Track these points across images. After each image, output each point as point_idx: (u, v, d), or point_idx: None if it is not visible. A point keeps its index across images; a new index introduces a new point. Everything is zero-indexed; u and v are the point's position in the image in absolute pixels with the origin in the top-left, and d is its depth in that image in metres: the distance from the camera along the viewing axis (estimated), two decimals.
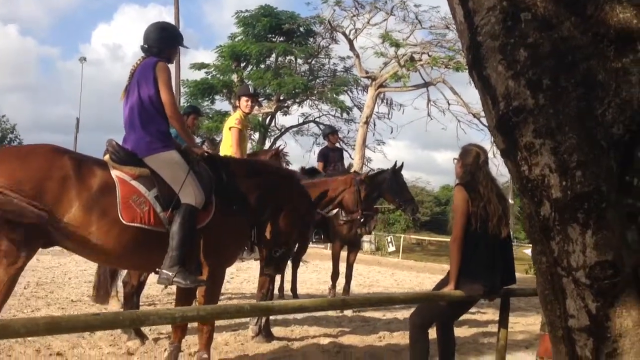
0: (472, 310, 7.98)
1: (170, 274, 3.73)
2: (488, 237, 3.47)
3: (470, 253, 3.47)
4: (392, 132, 28.60)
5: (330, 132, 9.86)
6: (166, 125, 4.19)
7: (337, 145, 10.14)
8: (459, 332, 6.88)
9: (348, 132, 31.15)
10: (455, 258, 3.46)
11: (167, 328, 4.99)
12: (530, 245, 2.60)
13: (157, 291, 7.98)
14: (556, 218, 2.31)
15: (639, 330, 2.15)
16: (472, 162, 3.67)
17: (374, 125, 29.09)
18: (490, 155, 3.49)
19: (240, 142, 6.49)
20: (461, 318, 7.76)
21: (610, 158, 2.28)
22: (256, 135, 31.26)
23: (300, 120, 32.49)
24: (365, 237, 27.26)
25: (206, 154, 4.40)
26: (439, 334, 3.82)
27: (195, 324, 4.38)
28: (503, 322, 3.71)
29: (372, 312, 8.02)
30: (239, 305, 2.91)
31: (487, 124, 2.58)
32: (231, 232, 4.23)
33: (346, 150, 31.25)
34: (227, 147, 6.50)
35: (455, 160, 3.77)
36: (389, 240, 28.16)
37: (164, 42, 4.27)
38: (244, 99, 6.78)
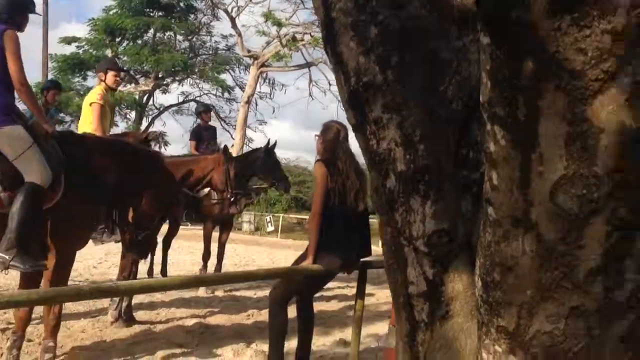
0: (341, 284, 8.25)
1: (7, 257, 3.42)
2: (345, 211, 3.56)
3: (327, 227, 3.55)
4: (274, 112, 28.75)
5: (204, 110, 9.60)
6: (11, 98, 3.84)
7: (211, 123, 9.90)
8: (328, 306, 7.10)
9: (230, 112, 30.75)
10: (314, 233, 3.53)
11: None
12: None
13: (12, 279, 7.37)
14: (400, 190, 2.41)
15: (468, 293, 2.31)
16: (332, 139, 3.74)
17: (256, 105, 28.98)
18: None
19: (101, 118, 6.06)
20: (330, 292, 8.02)
21: (449, 132, 2.42)
22: (132, 114, 29.86)
23: (180, 99, 31.46)
24: (245, 217, 27.23)
25: (56, 132, 4.10)
26: (299, 308, 3.89)
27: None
28: (360, 294, 3.85)
29: (244, 291, 8.02)
30: (76, 288, 2.73)
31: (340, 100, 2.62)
32: (82, 213, 3.97)
33: (227, 130, 30.90)
34: (87, 123, 6.05)
35: (317, 137, 3.83)
36: (268, 220, 28.30)
37: (12, 8, 3.89)
38: (112, 72, 6.30)
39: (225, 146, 7.30)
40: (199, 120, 9.65)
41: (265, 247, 20.05)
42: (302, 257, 3.70)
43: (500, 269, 1.74)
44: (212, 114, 29.76)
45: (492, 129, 1.59)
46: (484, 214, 1.77)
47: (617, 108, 1.41)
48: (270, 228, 27.74)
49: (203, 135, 8.87)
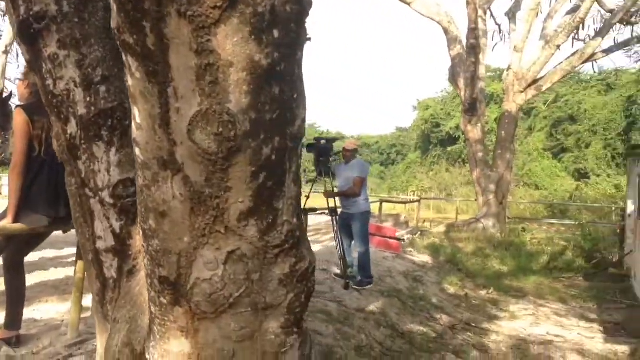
0: None
1: None
2: (54, 163, 3.16)
3: (32, 181, 3.14)
4: None
5: None
6: None
7: None
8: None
9: None
10: (14, 187, 3.08)
11: None
12: None
13: None
14: (82, 136, 2.17)
15: None
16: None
17: (17, 55, 25.60)
18: None
19: None
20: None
21: None
22: None
23: None
24: None
25: None
26: (6, 274, 3.42)
27: None
28: (80, 254, 3.53)
29: None
30: None
31: None
32: None
33: None
34: None
35: (19, 81, 3.35)
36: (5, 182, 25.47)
37: None
38: None
39: None
40: None
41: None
42: (2, 216, 3.24)
43: (155, 215, 1.62)
44: None
45: (126, 59, 1.43)
46: (134, 156, 1.63)
47: (242, 41, 1.34)
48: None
49: None
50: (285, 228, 1.71)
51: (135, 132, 1.53)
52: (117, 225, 2.20)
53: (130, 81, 1.45)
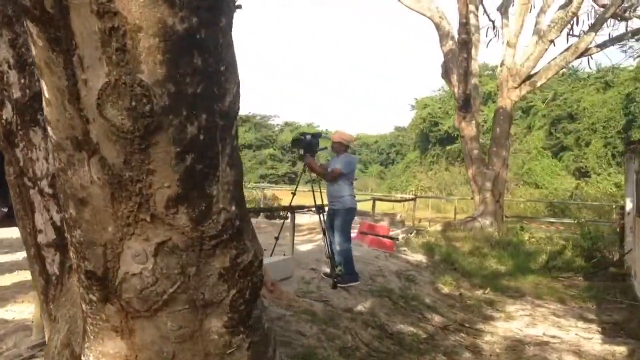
0: None
1: None
2: None
3: None
4: None
5: None
6: None
7: None
8: None
9: None
10: None
11: None
12: None
13: None
14: (19, 122, 2.03)
15: None
16: None
17: None
18: None
19: None
20: None
21: None
22: None
23: None
24: None
25: None
26: None
27: None
28: None
29: None
30: None
31: None
32: None
33: None
34: None
35: None
36: None
37: None
38: None
39: None
40: None
41: None
42: None
43: (74, 203, 1.46)
44: None
45: (27, 26, 1.28)
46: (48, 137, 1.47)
47: (151, 2, 1.19)
48: None
49: None
50: (221, 217, 1.55)
51: (45, 109, 1.38)
52: (57, 218, 2.05)
53: (34, 50, 1.29)
